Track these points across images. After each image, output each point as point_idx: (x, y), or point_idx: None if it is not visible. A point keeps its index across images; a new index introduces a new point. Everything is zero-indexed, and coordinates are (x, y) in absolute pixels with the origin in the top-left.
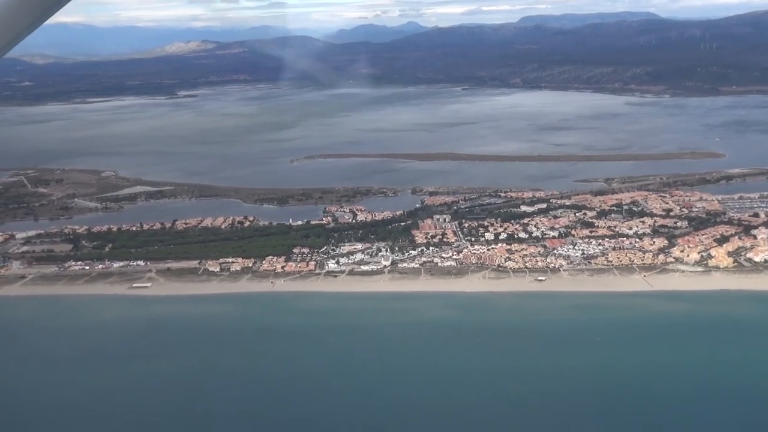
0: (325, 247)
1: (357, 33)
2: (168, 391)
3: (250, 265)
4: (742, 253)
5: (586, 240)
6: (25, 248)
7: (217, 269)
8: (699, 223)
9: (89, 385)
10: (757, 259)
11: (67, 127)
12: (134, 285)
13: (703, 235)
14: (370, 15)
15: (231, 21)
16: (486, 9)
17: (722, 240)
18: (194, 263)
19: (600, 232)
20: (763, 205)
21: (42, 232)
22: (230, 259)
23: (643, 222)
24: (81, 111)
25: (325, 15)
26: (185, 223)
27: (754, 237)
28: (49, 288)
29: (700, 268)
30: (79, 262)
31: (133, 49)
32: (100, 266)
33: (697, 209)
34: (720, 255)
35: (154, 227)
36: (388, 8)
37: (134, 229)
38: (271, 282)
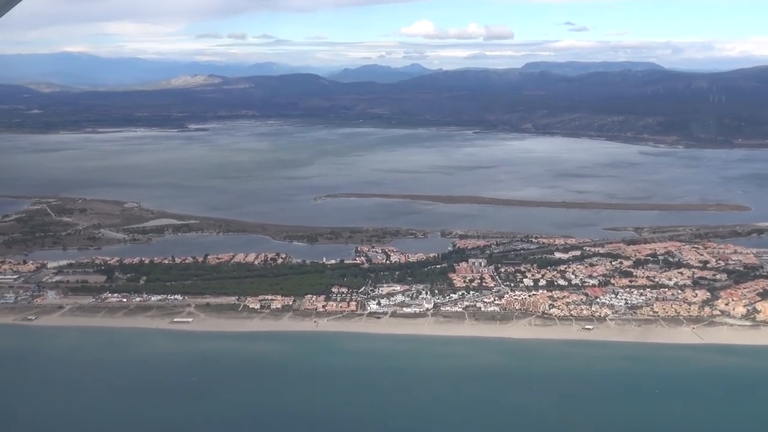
0: (363, 288)
1: (362, 73)
2: (220, 430)
3: (290, 303)
4: None
5: (627, 289)
6: (58, 278)
7: (257, 306)
8: (738, 276)
9: (139, 419)
10: None
11: (81, 156)
12: (175, 320)
13: (744, 288)
14: (374, 55)
15: (236, 57)
16: (489, 54)
17: (766, 294)
18: (233, 299)
19: (639, 281)
20: None
21: (73, 261)
22: (269, 297)
23: (681, 273)
24: (93, 141)
25: (329, 54)
26: (217, 258)
27: None
28: (89, 319)
29: (748, 322)
30: (116, 294)
31: (138, 81)
32: (138, 299)
33: (733, 262)
34: (767, 310)
35: (186, 261)
36: (392, 50)
37: (166, 262)
38: (315, 321)
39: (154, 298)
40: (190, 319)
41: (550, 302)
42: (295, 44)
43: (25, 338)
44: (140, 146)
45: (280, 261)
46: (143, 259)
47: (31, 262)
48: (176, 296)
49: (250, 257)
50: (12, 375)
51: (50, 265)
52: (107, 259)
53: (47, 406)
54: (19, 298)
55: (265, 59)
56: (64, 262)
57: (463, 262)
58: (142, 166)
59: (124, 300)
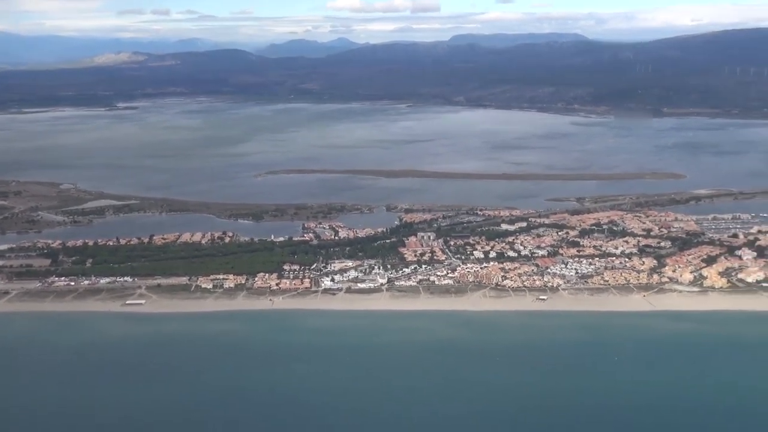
0: (315, 264)
1: (289, 48)
2: (181, 412)
3: (243, 281)
4: (733, 274)
5: (576, 259)
6: (0, 262)
7: (210, 286)
8: (682, 243)
9: (106, 405)
10: (749, 279)
11: (8, 137)
12: (127, 302)
13: (689, 255)
14: (300, 30)
15: (159, 33)
16: (416, 27)
17: (710, 260)
18: (184, 279)
19: (587, 251)
20: (738, 226)
21: (14, 246)
22: (221, 276)
23: (626, 242)
24: (19, 121)
25: (254, 29)
26: (163, 238)
27: (740, 258)
28: (38, 304)
29: (696, 288)
30: (63, 278)
31: (60, 59)
32: (86, 282)
33: (675, 229)
34: (713, 275)
35: (132, 242)
36: (318, 24)
37: (111, 244)
38: (270, 300)
39: (103, 280)
40: (142, 301)
41: (502, 274)
42: (219, 20)
43: None
44: (69, 126)
45: (227, 239)
46: (87, 241)
47: None
48: (126, 278)
49: (197, 236)
50: None
51: None
52: (49, 242)
53: (9, 395)
54: None
55: (189, 35)
56: (4, 247)
57: (412, 236)
58: (74, 146)
59: (72, 284)
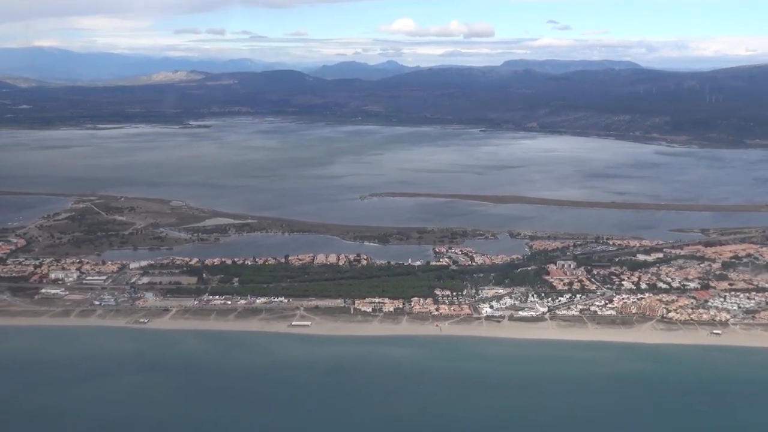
0: (465, 291)
1: (340, 69)
2: None
3: (401, 306)
4: None
5: (732, 293)
6: (146, 279)
7: (369, 309)
8: None
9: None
10: None
11: (93, 153)
12: (293, 323)
13: None
14: (349, 52)
15: (209, 53)
16: (465, 51)
17: None
18: (339, 302)
19: (738, 285)
20: None
21: (153, 262)
22: (377, 299)
23: None
24: (98, 137)
25: (303, 50)
26: (299, 259)
27: None
28: (202, 323)
29: None
30: (216, 296)
31: (114, 76)
32: (243, 301)
33: None
34: None
35: (269, 262)
36: (368, 47)
37: (249, 263)
38: (437, 325)
39: (259, 300)
40: (308, 323)
41: (664, 306)
42: (270, 40)
43: (150, 342)
44: (148, 143)
45: (364, 262)
46: (224, 259)
47: (110, 262)
48: (280, 299)
49: (332, 258)
50: (154, 382)
51: (132, 265)
52: (186, 259)
53: (188, 414)
54: (119, 300)
55: (239, 55)
56: (144, 263)
57: (551, 264)
58: (161, 163)
59: (228, 303)
